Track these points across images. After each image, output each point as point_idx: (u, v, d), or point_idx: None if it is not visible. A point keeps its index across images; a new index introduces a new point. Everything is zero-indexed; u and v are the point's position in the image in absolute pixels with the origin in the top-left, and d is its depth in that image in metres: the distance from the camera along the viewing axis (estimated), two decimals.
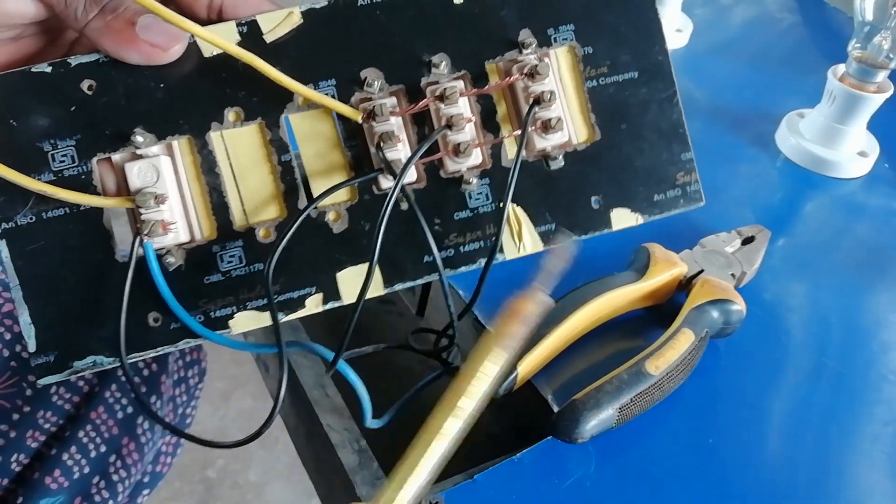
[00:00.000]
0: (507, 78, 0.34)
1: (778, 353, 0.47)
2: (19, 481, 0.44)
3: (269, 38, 0.33)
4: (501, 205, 0.34)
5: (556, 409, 0.41)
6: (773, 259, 0.53)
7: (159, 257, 0.32)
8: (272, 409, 0.32)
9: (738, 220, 0.53)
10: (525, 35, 0.35)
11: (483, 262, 0.34)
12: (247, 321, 0.33)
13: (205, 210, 0.33)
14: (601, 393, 0.39)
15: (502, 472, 0.38)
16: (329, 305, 0.34)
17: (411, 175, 0.34)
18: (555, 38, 0.35)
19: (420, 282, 0.35)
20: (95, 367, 0.32)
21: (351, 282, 0.34)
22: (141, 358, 0.33)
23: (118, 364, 0.32)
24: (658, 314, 0.47)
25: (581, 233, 0.36)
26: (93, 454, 0.46)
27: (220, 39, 0.31)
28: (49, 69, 0.31)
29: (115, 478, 0.48)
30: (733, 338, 0.46)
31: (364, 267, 0.34)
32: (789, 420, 0.43)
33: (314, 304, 0.34)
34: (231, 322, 0.33)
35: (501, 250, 0.35)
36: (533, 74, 0.34)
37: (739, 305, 0.44)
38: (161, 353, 0.33)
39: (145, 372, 0.49)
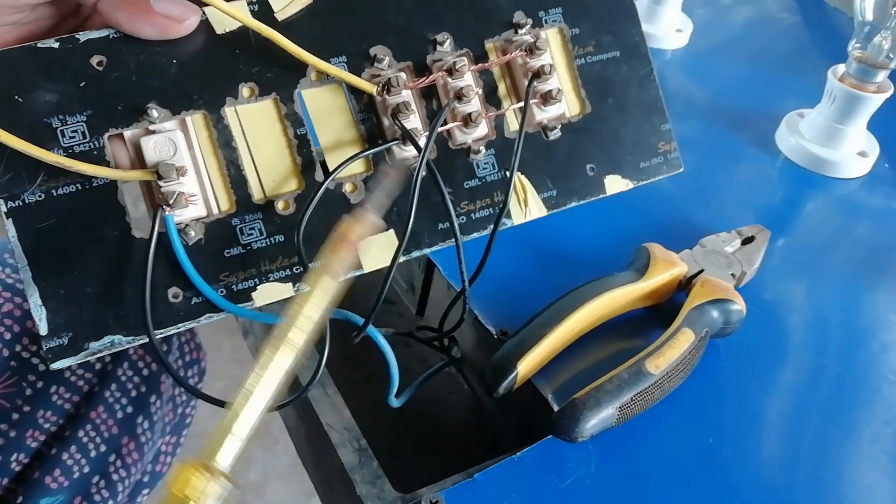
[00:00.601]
0: (509, 54, 0.36)
1: (778, 352, 0.47)
2: (19, 481, 0.44)
3: (280, 17, 0.33)
4: (508, 173, 0.36)
5: (556, 408, 0.41)
6: (773, 259, 0.53)
7: (179, 232, 0.32)
8: (317, 367, 0.32)
9: (738, 219, 0.53)
10: (519, 16, 0.37)
11: (492, 227, 0.36)
12: (270, 292, 0.33)
13: (222, 184, 0.33)
14: (601, 392, 0.39)
15: (502, 471, 0.38)
16: (350, 274, 0.34)
17: (421, 143, 0.35)
18: (545, 20, 0.38)
19: (437, 248, 0.36)
20: (114, 346, 0.31)
21: (371, 250, 0.35)
22: (164, 335, 0.32)
23: (138, 342, 0.31)
24: (658, 314, 0.47)
25: (580, 198, 0.38)
26: (93, 454, 0.46)
27: (240, 13, 0.32)
28: (56, 45, 0.31)
29: (114, 477, 0.48)
30: (733, 337, 0.46)
31: (383, 236, 0.35)
32: (789, 419, 0.43)
33: None
34: (254, 294, 0.33)
35: (509, 215, 0.37)
36: (531, 50, 0.36)
37: (739, 305, 0.44)
38: (182, 329, 0.32)
39: (145, 371, 0.49)
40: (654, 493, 0.38)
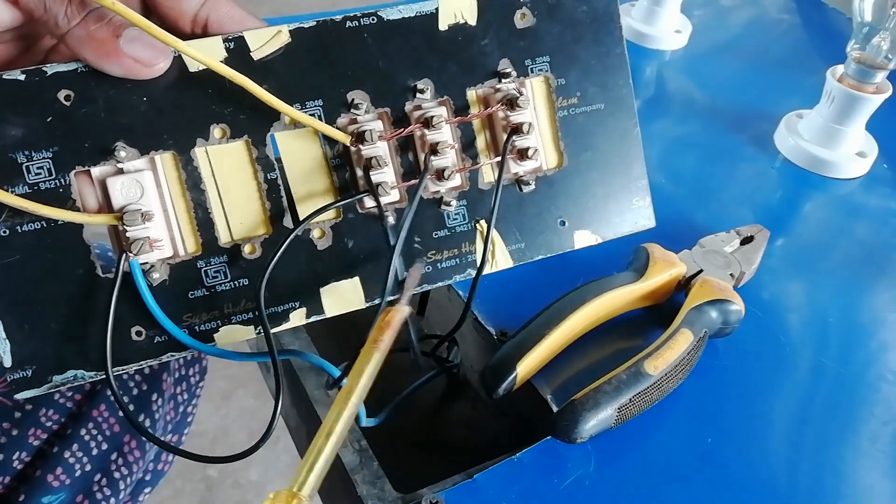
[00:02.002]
0: (489, 108, 0.36)
1: (777, 352, 0.47)
2: (21, 479, 0.44)
3: (256, 56, 0.32)
4: (477, 224, 0.37)
5: (555, 408, 0.41)
6: (771, 259, 0.53)
7: (144, 273, 0.31)
8: (270, 420, 0.32)
9: (737, 220, 0.53)
10: (504, 65, 0.36)
11: (457, 277, 0.36)
12: (231, 334, 0.33)
13: (189, 226, 0.33)
14: (600, 393, 0.39)
15: (502, 471, 0.38)
16: (312, 319, 0.34)
17: (394, 195, 0.35)
18: (531, 69, 0.36)
19: (397, 296, 0.35)
20: (76, 381, 0.32)
21: (335, 296, 0.34)
22: (124, 372, 0.32)
23: (100, 378, 0.32)
24: (657, 314, 0.47)
25: (547, 252, 0.38)
26: (94, 452, 0.46)
27: (210, 59, 0.31)
28: (23, 77, 0.30)
29: (116, 475, 0.48)
30: (732, 338, 0.46)
31: (347, 283, 0.35)
32: (788, 420, 0.43)
33: (298, 318, 0.34)
34: (216, 336, 0.33)
35: (474, 266, 0.37)
36: (513, 105, 0.35)
37: (738, 305, 0.45)
38: (144, 366, 0.33)
39: (146, 370, 0.49)
40: (653, 494, 0.39)
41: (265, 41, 0.32)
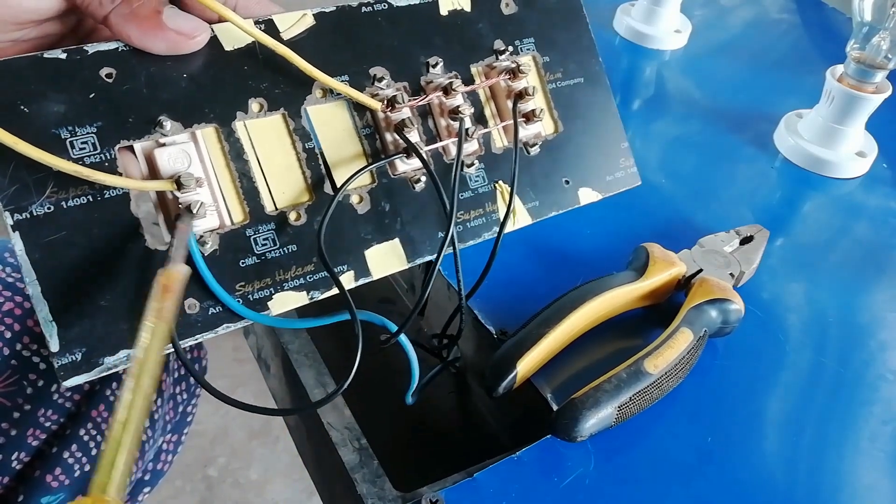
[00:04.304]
0: (495, 77, 0.39)
1: (776, 352, 0.47)
2: (20, 479, 0.44)
3: (285, 37, 0.34)
4: (496, 185, 0.39)
5: (555, 407, 0.41)
6: (771, 259, 0.53)
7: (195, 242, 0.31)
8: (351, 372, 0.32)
9: (737, 219, 0.53)
10: (499, 44, 0.40)
11: (486, 235, 0.39)
12: (286, 301, 0.34)
13: (235, 196, 0.33)
14: (600, 392, 0.39)
15: (502, 470, 0.38)
16: (361, 281, 0.35)
17: (419, 160, 0.36)
18: (520, 48, 0.41)
19: (435, 256, 0.37)
20: (129, 361, 0.30)
21: (379, 258, 0.36)
22: (183, 346, 0.31)
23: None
24: (657, 313, 0.47)
25: (558, 209, 0.41)
26: (94, 452, 0.46)
27: (256, 30, 0.32)
28: (64, 56, 0.30)
29: None
30: (732, 337, 0.46)
31: (388, 244, 0.36)
32: (787, 419, 0.43)
33: (347, 281, 0.35)
34: (270, 303, 0.33)
35: (499, 224, 0.39)
36: (515, 73, 0.39)
37: (738, 305, 0.45)
38: (200, 339, 0.32)
39: None
40: (653, 493, 0.39)
41: (292, 23, 0.35)
